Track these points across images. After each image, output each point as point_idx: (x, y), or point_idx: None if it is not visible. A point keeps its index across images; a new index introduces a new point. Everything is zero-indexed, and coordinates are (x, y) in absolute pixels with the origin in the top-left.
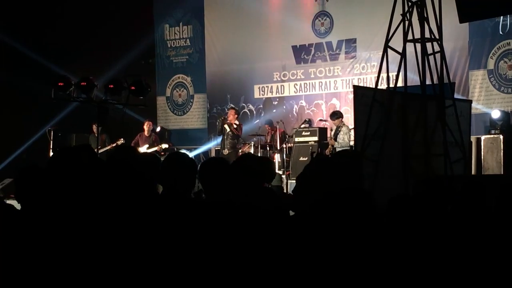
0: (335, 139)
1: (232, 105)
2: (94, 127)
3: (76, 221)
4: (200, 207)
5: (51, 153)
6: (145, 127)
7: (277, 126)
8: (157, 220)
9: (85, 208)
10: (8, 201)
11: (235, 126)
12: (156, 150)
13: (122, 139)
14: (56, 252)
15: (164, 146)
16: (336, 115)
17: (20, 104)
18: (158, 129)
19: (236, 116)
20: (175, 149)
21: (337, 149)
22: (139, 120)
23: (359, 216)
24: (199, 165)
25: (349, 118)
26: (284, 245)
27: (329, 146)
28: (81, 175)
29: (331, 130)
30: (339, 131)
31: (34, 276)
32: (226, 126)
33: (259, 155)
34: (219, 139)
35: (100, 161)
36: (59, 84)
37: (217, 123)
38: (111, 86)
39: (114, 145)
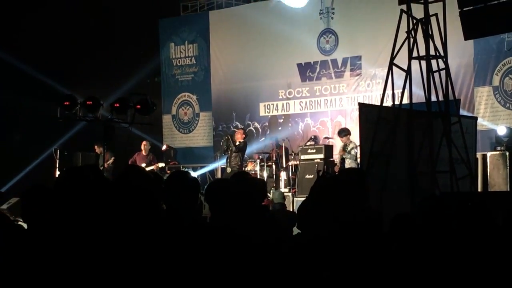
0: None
1: (237, 124)
2: (96, 148)
3: (82, 241)
4: (194, 230)
5: (58, 172)
6: (143, 146)
7: (283, 144)
8: (157, 241)
9: (92, 228)
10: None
11: (237, 143)
12: (153, 169)
13: (112, 158)
14: (61, 272)
15: (161, 165)
16: (344, 132)
17: (26, 123)
18: (164, 147)
19: (244, 136)
20: (181, 167)
21: (347, 161)
22: (145, 138)
23: (371, 242)
24: (205, 188)
25: (354, 136)
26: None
27: (339, 157)
28: (88, 195)
29: (342, 147)
30: (347, 148)
31: None
32: (229, 143)
33: (264, 172)
34: (225, 158)
35: (107, 180)
36: (65, 103)
37: (221, 143)
38: (117, 105)
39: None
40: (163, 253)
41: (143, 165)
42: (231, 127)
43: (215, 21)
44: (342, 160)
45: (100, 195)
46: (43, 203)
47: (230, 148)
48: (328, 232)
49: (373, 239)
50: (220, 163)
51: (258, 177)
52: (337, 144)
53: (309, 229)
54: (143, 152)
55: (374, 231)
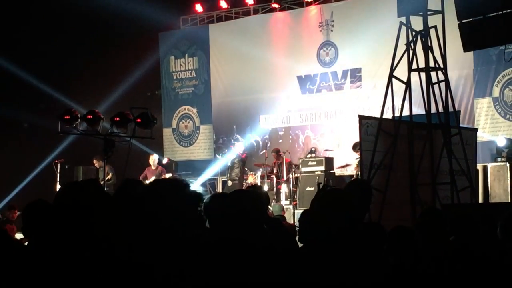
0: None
1: (238, 137)
2: (95, 162)
3: (82, 257)
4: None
5: (58, 186)
6: (151, 161)
7: (283, 156)
8: (158, 255)
9: (92, 244)
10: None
11: (235, 156)
12: None
13: (110, 174)
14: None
15: (168, 175)
16: (357, 146)
17: (26, 137)
18: (166, 160)
19: (242, 148)
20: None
21: None
22: (146, 152)
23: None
24: (204, 203)
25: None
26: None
27: (354, 176)
28: (88, 210)
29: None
30: None
31: None
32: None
33: (265, 185)
34: (225, 168)
35: (107, 195)
36: (65, 117)
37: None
38: (117, 118)
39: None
40: (164, 268)
41: (153, 178)
42: (232, 140)
43: (215, 34)
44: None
45: (100, 209)
46: (44, 218)
47: (230, 161)
48: (328, 245)
49: (372, 252)
50: (222, 166)
51: None
52: (338, 156)
53: (311, 241)
54: (152, 167)
55: (375, 244)
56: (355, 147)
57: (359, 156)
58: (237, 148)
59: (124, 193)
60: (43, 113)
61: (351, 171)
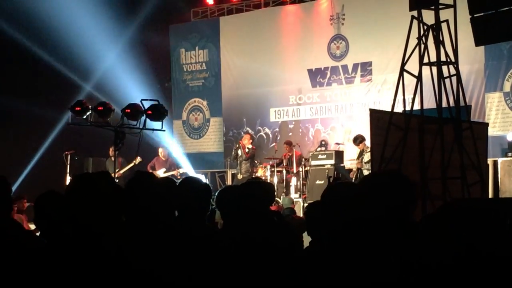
0: (360, 161)
1: (247, 130)
2: (111, 151)
3: (93, 248)
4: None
5: (68, 177)
6: (160, 153)
7: (294, 149)
8: (167, 248)
9: (103, 236)
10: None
11: (247, 150)
12: (173, 174)
13: (139, 157)
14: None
15: (182, 170)
16: (358, 139)
17: (38, 128)
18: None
19: (251, 141)
20: (188, 174)
21: (364, 171)
22: (156, 144)
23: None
24: (216, 194)
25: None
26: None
27: (354, 170)
28: (99, 201)
29: (358, 156)
30: (364, 154)
31: None
32: (239, 151)
33: (275, 178)
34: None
35: (118, 188)
36: (76, 108)
37: (233, 151)
38: (128, 110)
39: (132, 165)
40: (174, 260)
41: (163, 170)
42: (242, 133)
43: (226, 27)
44: (359, 169)
45: (111, 202)
46: (55, 209)
47: (240, 156)
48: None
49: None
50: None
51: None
52: (348, 150)
53: (320, 236)
54: (162, 158)
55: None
56: (355, 140)
57: (359, 149)
58: (244, 141)
59: (135, 186)
60: (53, 104)
61: (351, 163)
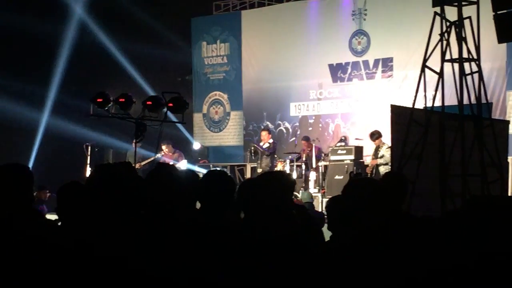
0: (376, 157)
1: (267, 124)
2: (164, 147)
3: (115, 237)
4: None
5: (88, 168)
6: (165, 149)
7: (313, 144)
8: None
9: (124, 225)
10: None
11: (266, 145)
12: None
13: (162, 151)
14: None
15: (184, 162)
16: (375, 135)
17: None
18: (198, 146)
19: (269, 135)
20: (211, 166)
21: (380, 167)
22: (177, 137)
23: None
24: (238, 187)
25: (385, 137)
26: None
27: (370, 165)
28: (121, 192)
29: (374, 151)
30: (380, 149)
31: None
32: (257, 151)
33: (294, 173)
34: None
35: (140, 178)
36: (98, 100)
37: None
38: (149, 102)
39: (152, 158)
40: (195, 252)
41: (185, 161)
42: (262, 127)
43: (248, 20)
44: (375, 166)
45: (132, 192)
46: (77, 200)
47: (258, 153)
48: (360, 236)
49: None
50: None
51: None
52: (367, 145)
53: (341, 231)
54: (168, 153)
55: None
56: (372, 136)
57: (375, 145)
58: (262, 138)
59: (156, 177)
60: (74, 95)
61: (367, 158)
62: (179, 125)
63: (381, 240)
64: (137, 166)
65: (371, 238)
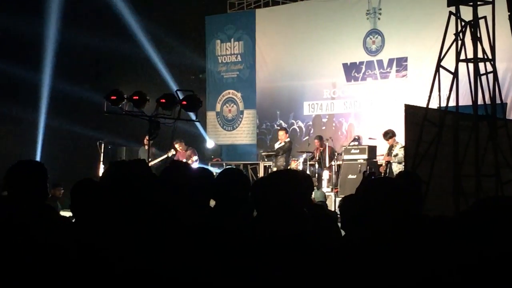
0: (389, 155)
1: (280, 123)
2: (146, 140)
3: (129, 235)
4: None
5: (101, 165)
6: (178, 147)
7: (326, 143)
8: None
9: (138, 222)
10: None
11: (282, 143)
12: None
13: (173, 150)
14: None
15: (195, 158)
16: (388, 134)
17: (74, 116)
18: (213, 144)
19: (287, 135)
20: (224, 164)
21: (393, 166)
22: (190, 134)
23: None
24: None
25: (399, 137)
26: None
27: (383, 164)
28: (135, 189)
29: (388, 151)
30: (393, 148)
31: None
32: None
33: (307, 172)
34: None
35: (154, 175)
36: (112, 97)
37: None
38: (163, 100)
39: (165, 156)
40: (203, 251)
41: (195, 157)
42: (275, 126)
43: (262, 19)
44: (388, 164)
45: (147, 189)
46: (91, 197)
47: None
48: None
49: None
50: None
51: None
52: (381, 145)
53: (354, 231)
54: (181, 150)
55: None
56: (385, 135)
57: (389, 144)
58: (280, 136)
59: (170, 175)
60: (87, 92)
61: (380, 157)
62: (197, 123)
63: (395, 241)
64: (150, 164)
65: (386, 239)
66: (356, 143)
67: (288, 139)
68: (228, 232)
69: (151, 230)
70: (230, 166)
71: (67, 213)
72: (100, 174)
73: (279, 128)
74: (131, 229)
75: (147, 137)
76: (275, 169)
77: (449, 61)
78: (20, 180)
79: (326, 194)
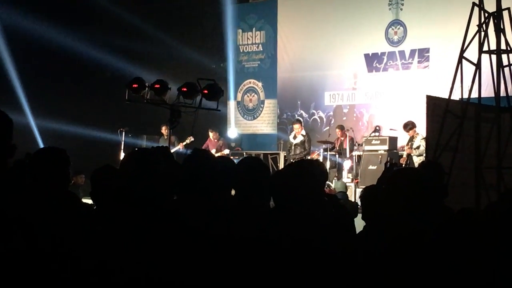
0: (410, 147)
1: (301, 112)
2: (164, 129)
3: (146, 221)
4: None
5: (122, 154)
6: (212, 136)
7: (347, 134)
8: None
9: (159, 210)
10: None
11: (298, 140)
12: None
13: (191, 137)
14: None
15: (226, 152)
16: (408, 126)
17: (95, 104)
18: (235, 134)
19: (302, 128)
20: (244, 153)
21: (414, 158)
22: (210, 123)
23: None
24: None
25: (420, 128)
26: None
27: (404, 156)
28: (157, 176)
29: (408, 142)
30: (414, 140)
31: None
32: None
33: (327, 162)
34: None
35: (177, 164)
36: (133, 85)
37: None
38: (184, 89)
39: (184, 143)
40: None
41: (213, 151)
42: (296, 115)
43: (284, 9)
44: (409, 156)
45: (169, 177)
46: (111, 183)
47: (293, 144)
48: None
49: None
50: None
51: None
52: (402, 136)
53: (378, 223)
54: (214, 140)
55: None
56: (405, 127)
57: (409, 135)
58: (295, 131)
59: (192, 162)
60: (108, 82)
61: (401, 149)
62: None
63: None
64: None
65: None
66: (377, 133)
67: (304, 132)
68: (245, 217)
69: (171, 218)
70: (249, 155)
71: (89, 201)
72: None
73: (294, 120)
74: (149, 215)
75: (164, 127)
76: (292, 160)
77: (472, 53)
78: (42, 167)
79: (347, 184)
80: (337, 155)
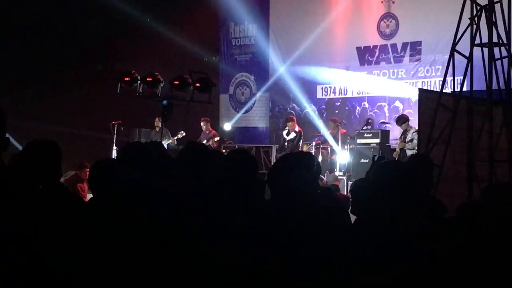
0: (404, 141)
1: (294, 106)
2: (157, 120)
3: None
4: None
5: (114, 147)
6: (202, 126)
7: (339, 127)
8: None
9: (155, 202)
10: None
11: (293, 135)
12: (209, 145)
13: (183, 131)
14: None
15: (216, 139)
16: (401, 120)
17: (87, 97)
18: (229, 127)
19: (295, 124)
20: (236, 147)
21: (407, 151)
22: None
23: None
24: (269, 169)
25: (412, 122)
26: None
27: (397, 150)
28: (152, 169)
29: (401, 136)
30: (407, 133)
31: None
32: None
33: (319, 155)
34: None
35: (170, 158)
36: (125, 79)
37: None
38: (177, 82)
39: (175, 138)
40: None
41: (205, 141)
42: (288, 109)
43: (276, 2)
44: (402, 150)
45: (163, 170)
46: (110, 175)
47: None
48: (390, 220)
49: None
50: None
51: None
52: (394, 129)
53: (367, 215)
54: (205, 131)
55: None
56: (398, 121)
57: (402, 129)
58: (290, 126)
59: (187, 156)
60: (100, 75)
61: (394, 143)
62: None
63: (405, 222)
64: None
65: (396, 221)
66: (369, 127)
67: (297, 129)
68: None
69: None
70: (237, 147)
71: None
72: (113, 156)
73: (287, 116)
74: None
75: (157, 119)
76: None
77: (464, 46)
78: (34, 159)
79: (339, 178)
80: (329, 148)
